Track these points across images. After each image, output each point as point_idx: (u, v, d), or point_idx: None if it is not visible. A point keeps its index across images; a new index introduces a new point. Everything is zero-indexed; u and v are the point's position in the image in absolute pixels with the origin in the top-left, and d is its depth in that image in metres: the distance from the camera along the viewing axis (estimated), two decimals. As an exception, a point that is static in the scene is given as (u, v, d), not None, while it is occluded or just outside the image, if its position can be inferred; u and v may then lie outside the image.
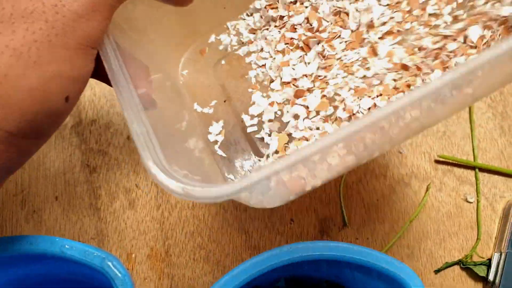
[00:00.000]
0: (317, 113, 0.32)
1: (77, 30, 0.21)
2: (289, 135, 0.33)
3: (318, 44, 0.34)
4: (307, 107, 0.32)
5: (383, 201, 0.42)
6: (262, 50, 0.36)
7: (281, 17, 0.35)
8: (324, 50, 0.33)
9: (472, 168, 0.43)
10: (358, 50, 0.33)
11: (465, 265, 0.41)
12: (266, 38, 0.35)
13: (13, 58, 0.20)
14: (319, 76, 0.33)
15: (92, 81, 0.41)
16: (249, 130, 0.35)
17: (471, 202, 0.43)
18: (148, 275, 0.39)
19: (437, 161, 0.43)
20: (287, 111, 0.33)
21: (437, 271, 0.41)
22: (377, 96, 0.30)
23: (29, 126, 0.21)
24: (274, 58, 0.35)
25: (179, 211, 0.40)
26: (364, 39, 0.33)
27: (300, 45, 0.34)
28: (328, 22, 0.34)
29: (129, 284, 0.28)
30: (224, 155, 0.35)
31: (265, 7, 0.36)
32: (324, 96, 0.32)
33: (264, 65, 0.35)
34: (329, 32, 0.34)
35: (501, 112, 0.44)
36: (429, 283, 0.41)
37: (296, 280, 0.38)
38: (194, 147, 0.30)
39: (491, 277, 0.40)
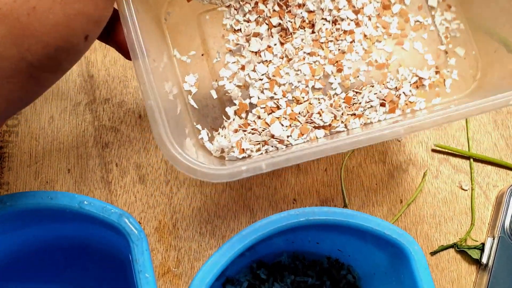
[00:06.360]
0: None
1: None
2: (251, 103, 0.36)
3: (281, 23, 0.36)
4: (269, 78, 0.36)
5: (381, 185, 0.44)
6: (238, 13, 0.36)
7: None
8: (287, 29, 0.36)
9: (467, 158, 0.45)
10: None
11: (460, 248, 0.43)
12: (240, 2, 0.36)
13: None
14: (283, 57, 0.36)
15: (107, 63, 0.43)
16: (219, 87, 0.36)
17: (466, 190, 0.45)
18: (156, 247, 0.40)
19: (433, 150, 0.45)
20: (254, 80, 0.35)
21: (433, 253, 0.43)
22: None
23: (50, 60, 0.22)
24: (248, 25, 0.36)
25: (187, 188, 0.41)
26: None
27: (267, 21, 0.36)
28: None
29: (144, 239, 0.30)
30: (195, 106, 0.36)
31: None
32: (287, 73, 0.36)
33: (239, 30, 0.36)
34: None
35: (494, 106, 0.47)
36: (425, 264, 0.42)
37: (298, 255, 0.40)
38: (169, 91, 0.31)
39: (484, 260, 0.42)
